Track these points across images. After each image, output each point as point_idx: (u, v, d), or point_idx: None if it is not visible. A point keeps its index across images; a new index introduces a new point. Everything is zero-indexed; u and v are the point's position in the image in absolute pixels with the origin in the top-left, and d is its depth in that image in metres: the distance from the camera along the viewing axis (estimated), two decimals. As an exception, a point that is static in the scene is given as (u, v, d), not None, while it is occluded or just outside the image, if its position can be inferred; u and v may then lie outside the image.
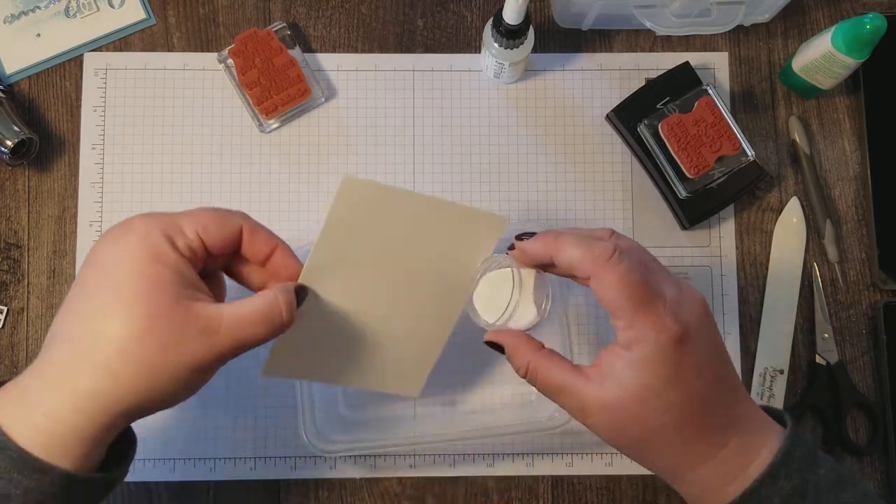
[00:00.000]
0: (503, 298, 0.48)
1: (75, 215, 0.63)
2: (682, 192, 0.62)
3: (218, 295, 0.47)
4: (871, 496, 0.43)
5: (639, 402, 0.42)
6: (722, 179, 0.62)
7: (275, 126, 0.64)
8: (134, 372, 0.39)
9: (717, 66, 0.66)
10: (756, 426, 0.44)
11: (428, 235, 0.50)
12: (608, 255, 0.42)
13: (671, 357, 0.42)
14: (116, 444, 0.43)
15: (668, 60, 0.65)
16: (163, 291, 0.40)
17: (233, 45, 0.63)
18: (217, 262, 0.46)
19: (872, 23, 0.55)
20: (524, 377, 0.46)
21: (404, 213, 0.49)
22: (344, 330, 0.51)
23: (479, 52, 0.65)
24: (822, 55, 0.59)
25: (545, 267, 0.47)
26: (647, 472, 0.61)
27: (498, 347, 0.47)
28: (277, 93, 0.62)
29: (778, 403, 0.61)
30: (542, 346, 0.46)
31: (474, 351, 0.54)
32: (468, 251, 0.50)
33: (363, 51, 0.66)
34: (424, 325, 0.52)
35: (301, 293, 0.46)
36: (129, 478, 0.47)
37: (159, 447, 0.61)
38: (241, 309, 0.42)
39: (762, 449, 0.43)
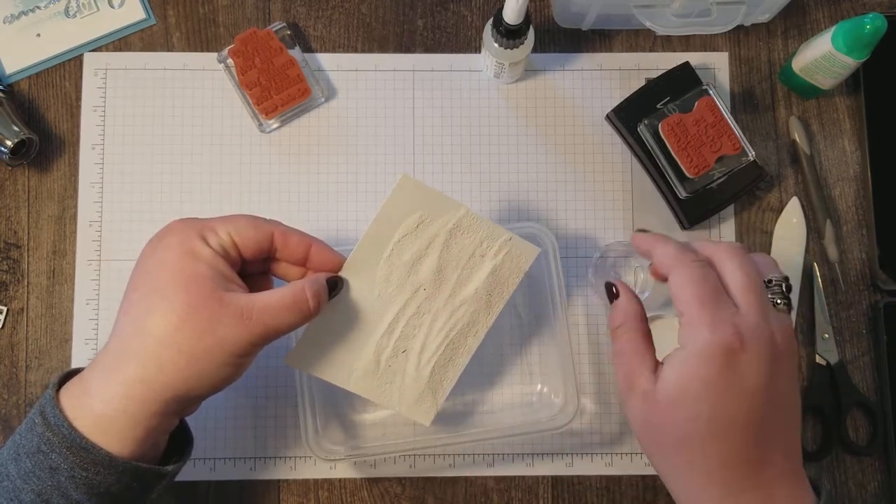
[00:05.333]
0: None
1: (75, 215, 0.63)
2: (682, 192, 0.62)
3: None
4: None
5: (672, 401, 0.43)
6: (722, 179, 0.62)
7: (275, 126, 0.64)
8: (176, 359, 0.44)
9: (717, 66, 0.66)
10: (787, 492, 0.43)
11: (465, 253, 0.53)
12: (690, 258, 0.45)
13: (717, 362, 0.41)
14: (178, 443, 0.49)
15: (668, 60, 0.65)
16: (198, 284, 0.44)
17: (233, 45, 0.63)
18: (256, 265, 0.50)
19: (872, 23, 0.55)
20: (616, 328, 0.47)
21: (449, 224, 0.52)
22: (370, 337, 0.52)
23: (479, 52, 0.65)
24: (823, 55, 0.59)
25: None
26: (647, 473, 0.61)
27: (613, 295, 0.49)
28: (277, 93, 0.62)
29: (778, 403, 0.61)
30: (646, 321, 0.48)
31: (476, 352, 0.54)
32: (500, 276, 0.53)
33: (363, 51, 0.66)
34: (446, 347, 0.53)
35: (335, 283, 0.50)
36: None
37: (159, 447, 0.61)
38: (271, 297, 0.46)
39: None
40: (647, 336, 0.47)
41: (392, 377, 0.53)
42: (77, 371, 0.47)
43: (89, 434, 0.43)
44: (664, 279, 0.46)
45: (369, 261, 0.52)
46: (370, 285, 0.52)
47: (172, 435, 0.49)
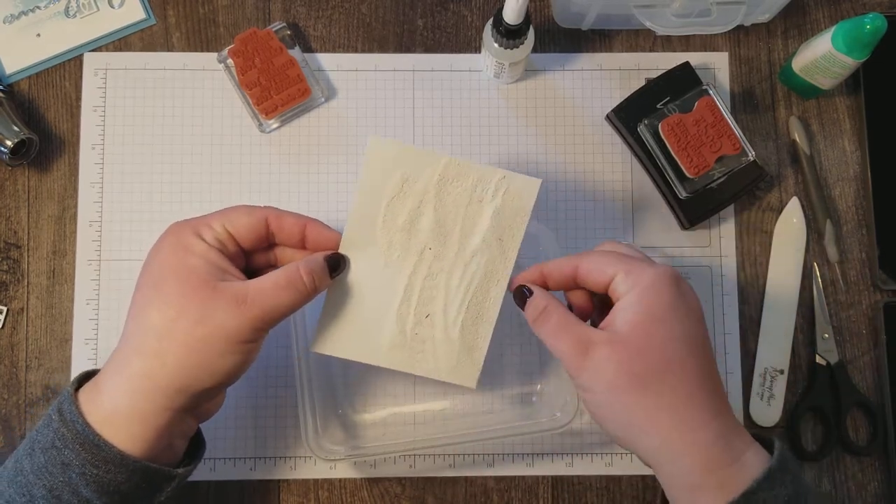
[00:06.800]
0: None
1: (75, 215, 0.63)
2: (682, 192, 0.62)
3: None
4: None
5: (643, 331, 0.44)
6: (722, 179, 0.62)
7: (275, 126, 0.64)
8: (176, 350, 0.44)
9: (717, 66, 0.66)
10: (735, 424, 0.45)
11: (461, 202, 0.51)
12: (603, 245, 0.49)
13: (671, 289, 0.44)
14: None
15: (668, 60, 0.65)
16: (192, 275, 0.45)
17: (233, 45, 0.63)
18: (261, 258, 0.51)
19: (872, 23, 0.55)
20: (540, 313, 0.47)
21: (434, 176, 0.50)
22: (389, 309, 0.51)
23: (479, 52, 0.65)
24: (822, 55, 0.59)
25: (561, 287, 0.50)
26: (647, 473, 0.61)
27: (527, 295, 0.48)
28: (277, 93, 0.62)
29: (778, 403, 0.61)
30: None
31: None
32: (504, 217, 0.51)
33: (363, 51, 0.66)
34: (470, 303, 0.51)
35: (336, 261, 0.49)
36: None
37: (159, 447, 0.61)
38: (266, 279, 0.46)
39: (746, 451, 0.43)
40: (570, 311, 0.48)
41: (422, 345, 0.51)
42: (95, 372, 0.48)
43: (101, 431, 0.44)
44: (594, 286, 0.47)
45: (365, 233, 0.50)
46: (374, 257, 0.50)
47: (191, 441, 0.49)
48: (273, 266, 0.51)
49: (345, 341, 0.51)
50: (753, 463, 0.43)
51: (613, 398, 0.44)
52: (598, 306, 0.50)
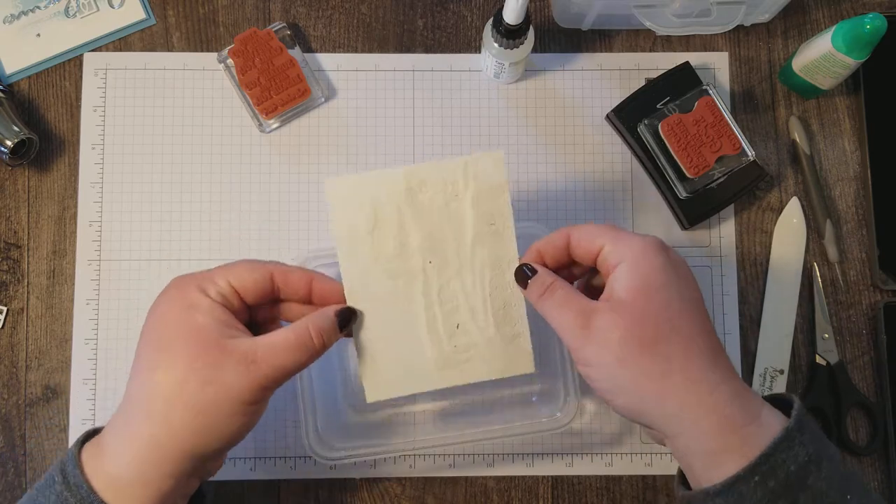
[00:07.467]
0: None
1: (75, 215, 0.63)
2: (682, 192, 0.62)
3: None
4: (873, 495, 0.43)
5: (644, 296, 0.43)
6: (722, 179, 0.62)
7: (275, 126, 0.64)
8: (183, 414, 0.43)
9: (717, 66, 0.66)
10: (744, 385, 0.44)
11: (437, 206, 0.50)
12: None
13: (661, 255, 0.44)
14: None
15: (668, 60, 0.65)
16: (199, 335, 0.44)
17: (233, 45, 0.63)
18: (265, 311, 0.49)
19: (872, 23, 0.55)
20: (546, 288, 0.47)
21: (399, 193, 0.49)
22: (419, 335, 0.50)
23: (479, 52, 0.65)
24: (822, 55, 0.59)
25: (558, 265, 0.49)
26: (647, 473, 0.61)
27: (529, 274, 0.48)
28: (277, 93, 0.62)
29: (778, 403, 0.61)
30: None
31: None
32: (485, 201, 0.50)
33: (363, 51, 0.66)
34: (492, 296, 0.50)
35: (346, 316, 0.48)
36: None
37: (159, 447, 0.60)
38: (274, 338, 0.45)
39: (762, 411, 0.42)
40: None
41: (466, 354, 0.50)
42: (98, 431, 0.46)
43: (105, 496, 0.42)
44: (585, 256, 0.47)
45: (363, 276, 0.49)
46: (381, 294, 0.49)
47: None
48: (275, 318, 0.50)
49: (394, 382, 0.50)
50: (770, 423, 0.42)
51: (622, 367, 0.43)
52: (588, 289, 0.50)
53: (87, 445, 0.45)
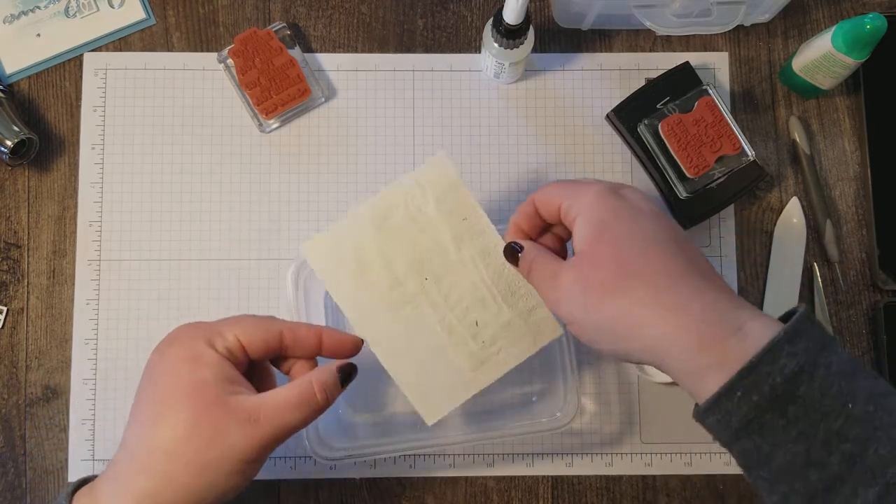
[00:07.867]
0: None
1: (75, 215, 0.63)
2: (682, 192, 0.62)
3: (269, 387, 0.49)
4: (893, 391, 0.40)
5: (596, 240, 0.44)
6: (722, 179, 0.62)
7: (275, 126, 0.64)
8: (185, 471, 0.42)
9: (717, 66, 0.66)
10: (734, 300, 0.42)
11: (409, 227, 0.51)
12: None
13: (610, 196, 0.45)
14: None
15: (668, 60, 0.65)
16: (204, 391, 0.43)
17: (233, 45, 0.63)
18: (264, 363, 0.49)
19: (872, 23, 0.55)
20: (531, 260, 0.48)
21: (367, 232, 0.51)
22: (443, 348, 0.51)
23: (479, 52, 0.65)
24: (823, 55, 0.59)
25: (539, 230, 0.50)
26: (647, 473, 0.61)
27: (517, 251, 0.49)
28: (277, 93, 0.62)
29: (778, 403, 0.61)
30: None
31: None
32: (449, 202, 0.52)
33: (363, 51, 0.66)
34: (497, 287, 0.51)
35: (347, 372, 0.48)
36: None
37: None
38: (277, 396, 0.45)
39: (748, 323, 0.40)
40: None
41: (494, 346, 0.51)
42: (91, 479, 0.45)
43: None
44: (546, 220, 0.49)
45: (373, 320, 0.51)
46: (395, 329, 0.51)
47: None
48: (266, 367, 0.50)
49: (444, 398, 0.51)
50: (755, 335, 0.40)
51: (594, 316, 0.43)
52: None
53: (79, 496, 0.44)
